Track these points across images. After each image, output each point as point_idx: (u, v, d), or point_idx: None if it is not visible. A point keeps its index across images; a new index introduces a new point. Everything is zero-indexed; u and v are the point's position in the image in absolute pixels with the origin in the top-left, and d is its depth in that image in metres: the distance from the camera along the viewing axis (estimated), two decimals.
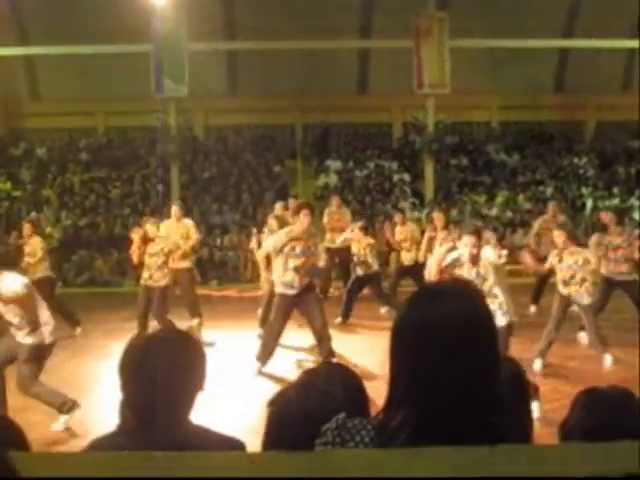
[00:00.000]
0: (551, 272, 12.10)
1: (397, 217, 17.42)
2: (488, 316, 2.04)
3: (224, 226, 24.54)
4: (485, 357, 1.99)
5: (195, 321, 14.09)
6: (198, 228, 20.02)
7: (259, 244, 14.33)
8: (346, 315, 15.23)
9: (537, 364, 11.07)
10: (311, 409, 2.41)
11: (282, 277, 11.28)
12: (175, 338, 3.01)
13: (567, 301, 11.24)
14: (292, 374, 10.73)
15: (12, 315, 8.76)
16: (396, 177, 27.88)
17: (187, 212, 22.64)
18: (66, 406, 9.18)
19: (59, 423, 9.07)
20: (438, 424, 1.94)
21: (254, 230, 15.77)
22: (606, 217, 13.08)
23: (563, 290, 11.18)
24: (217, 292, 20.55)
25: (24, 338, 8.78)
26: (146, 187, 26.70)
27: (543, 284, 15.66)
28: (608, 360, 11.17)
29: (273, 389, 10.21)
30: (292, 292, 11.26)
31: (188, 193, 26.08)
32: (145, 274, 13.13)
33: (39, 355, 8.90)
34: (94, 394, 10.20)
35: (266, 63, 28.25)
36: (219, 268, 22.85)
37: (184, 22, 24.01)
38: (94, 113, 30.53)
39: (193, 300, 14.71)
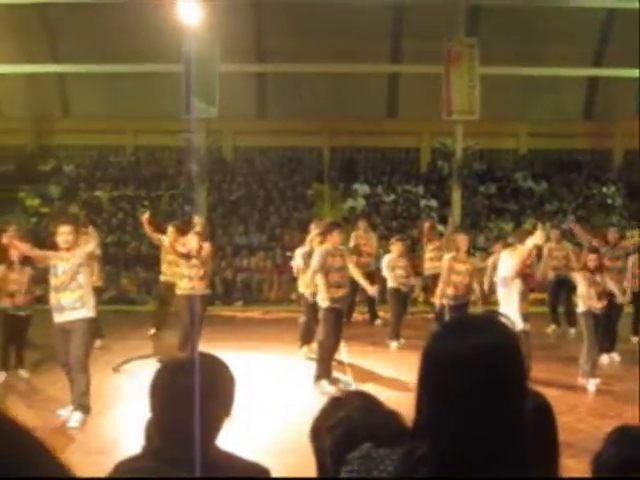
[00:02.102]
0: None
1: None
2: (517, 350, 2.03)
3: (250, 247, 24.58)
4: (511, 392, 1.99)
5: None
6: (224, 249, 20.17)
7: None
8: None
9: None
10: (376, 430, 2.40)
11: (328, 293, 11.51)
12: (206, 362, 3.01)
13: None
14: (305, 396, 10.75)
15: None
16: (423, 202, 27.84)
17: (213, 232, 22.82)
18: (87, 408, 9.39)
19: (73, 420, 9.23)
20: (461, 457, 1.94)
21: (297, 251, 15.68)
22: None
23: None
24: (241, 313, 20.57)
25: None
26: (173, 207, 26.78)
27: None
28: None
29: (288, 411, 10.24)
30: (339, 305, 11.60)
31: (215, 214, 26.15)
32: (188, 284, 13.31)
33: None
34: (115, 411, 10.23)
35: (295, 86, 28.32)
36: (244, 289, 22.87)
37: (216, 43, 24.11)
38: (123, 131, 30.66)
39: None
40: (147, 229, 15.85)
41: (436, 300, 14.24)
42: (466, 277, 13.92)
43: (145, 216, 15.88)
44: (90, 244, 10.65)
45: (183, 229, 15.75)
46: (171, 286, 15.41)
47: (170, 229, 15.05)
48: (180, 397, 2.78)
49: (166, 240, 14.49)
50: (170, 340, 14.45)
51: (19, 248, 11.76)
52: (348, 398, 2.78)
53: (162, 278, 16.60)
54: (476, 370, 1.94)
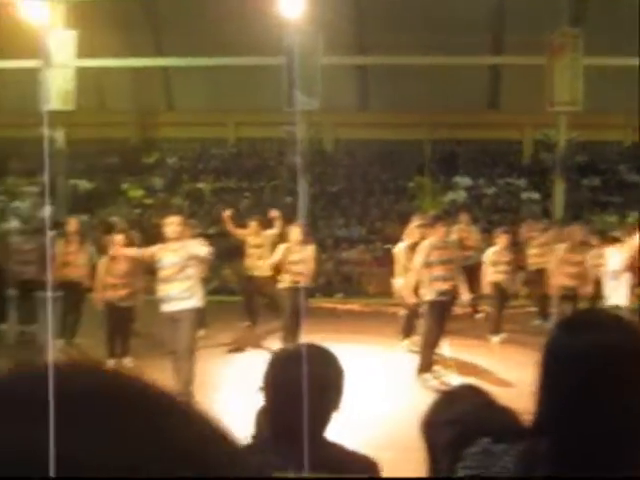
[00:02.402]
0: None
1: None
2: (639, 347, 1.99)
3: (351, 240, 24.59)
4: (635, 389, 1.94)
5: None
6: (324, 241, 20.24)
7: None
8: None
9: None
10: (493, 426, 2.37)
11: (432, 286, 11.49)
12: (317, 354, 3.01)
13: None
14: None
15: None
16: (525, 195, 27.55)
17: (314, 225, 22.89)
18: (191, 396, 9.54)
19: None
20: (585, 456, 1.90)
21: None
22: None
23: None
24: (341, 305, 20.59)
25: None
26: (275, 198, 26.92)
27: None
28: None
29: (388, 405, 10.22)
30: (443, 298, 11.55)
31: (316, 206, 26.22)
32: (290, 277, 13.50)
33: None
34: (217, 401, 10.31)
35: (396, 78, 28.23)
36: (344, 281, 22.89)
37: (318, 36, 24.15)
38: (225, 124, 30.95)
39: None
40: (229, 226, 16.10)
41: (551, 290, 14.20)
42: (580, 268, 13.81)
43: (227, 213, 16.12)
44: (205, 248, 10.78)
45: (264, 224, 16.01)
46: (254, 279, 15.75)
47: (252, 224, 15.37)
48: (291, 389, 2.79)
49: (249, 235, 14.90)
50: (266, 331, 14.63)
51: (128, 254, 12.02)
52: (461, 393, 2.75)
53: (247, 273, 16.68)
54: (598, 367, 1.90)
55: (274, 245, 15.55)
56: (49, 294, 11.70)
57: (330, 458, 2.85)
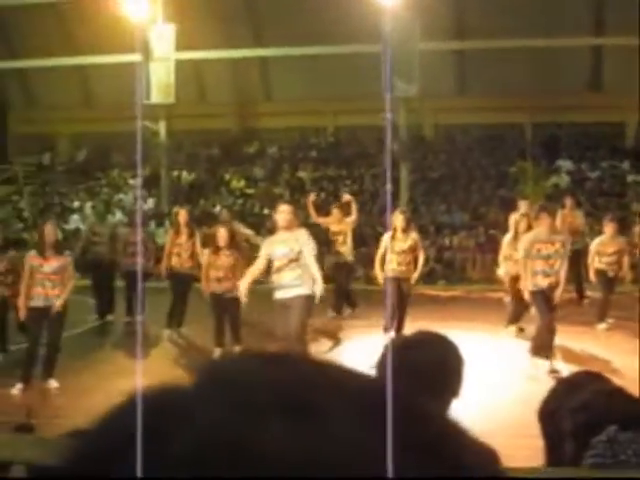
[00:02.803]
0: None
1: None
2: None
3: (453, 226, 24.46)
4: None
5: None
6: (427, 228, 20.15)
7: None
8: None
9: None
10: (619, 414, 2.33)
11: (532, 280, 11.60)
12: (437, 341, 3.01)
13: None
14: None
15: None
16: (630, 178, 27.05)
17: (415, 211, 22.84)
18: None
19: None
20: None
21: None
22: None
23: None
24: (444, 292, 20.50)
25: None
26: (376, 186, 26.93)
27: None
28: None
29: (496, 391, 10.16)
30: (544, 288, 11.59)
31: (416, 192, 26.17)
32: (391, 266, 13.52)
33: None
34: None
35: (495, 62, 27.96)
36: (447, 268, 22.78)
37: (416, 21, 24.04)
38: (324, 112, 31.02)
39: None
40: (312, 213, 16.15)
41: None
42: None
43: (310, 198, 16.20)
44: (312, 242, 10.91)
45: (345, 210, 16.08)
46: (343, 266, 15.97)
47: (334, 211, 15.46)
48: (411, 375, 2.78)
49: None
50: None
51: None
52: (582, 380, 2.72)
53: (334, 259, 16.66)
54: None
55: (354, 231, 15.69)
56: (139, 284, 11.92)
57: (450, 441, 2.83)
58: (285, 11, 27.67)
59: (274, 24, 28.26)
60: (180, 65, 25.39)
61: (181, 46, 25.01)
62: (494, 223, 22.77)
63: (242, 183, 28.55)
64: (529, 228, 12.52)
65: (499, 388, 10.47)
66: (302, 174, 28.63)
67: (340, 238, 16.07)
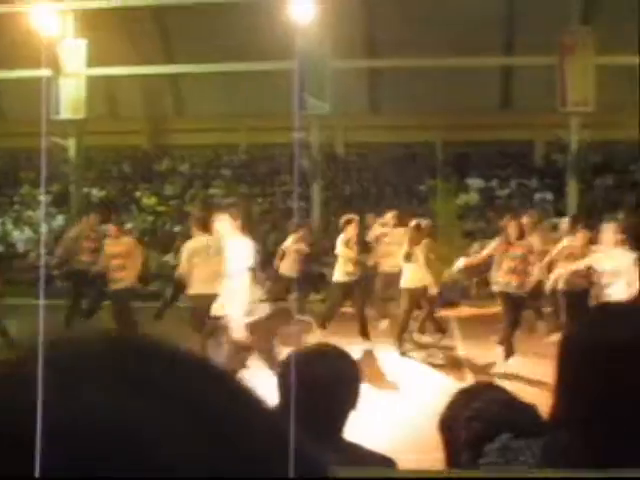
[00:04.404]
0: None
1: None
2: None
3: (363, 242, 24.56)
4: None
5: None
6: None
7: None
8: None
9: None
10: (515, 422, 2.35)
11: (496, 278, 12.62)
12: (337, 354, 3.02)
13: None
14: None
15: None
16: (538, 196, 27.48)
17: (326, 228, 22.88)
18: None
19: None
20: (604, 449, 1.88)
21: None
22: None
23: None
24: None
25: None
26: (287, 204, 26.96)
27: None
28: None
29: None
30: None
31: (328, 210, 26.23)
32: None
33: None
34: None
35: (407, 80, 28.20)
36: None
37: (327, 39, 24.16)
38: (237, 129, 30.99)
39: None
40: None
41: None
42: None
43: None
44: None
45: None
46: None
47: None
48: (308, 387, 2.78)
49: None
50: None
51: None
52: (480, 389, 2.74)
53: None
54: (619, 358, 1.88)
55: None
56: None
57: (348, 455, 2.84)
58: (197, 27, 27.57)
59: (186, 40, 28.15)
60: (91, 81, 25.18)
61: (92, 62, 24.80)
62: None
63: (153, 200, 28.35)
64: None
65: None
66: (215, 191, 28.50)
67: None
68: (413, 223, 14.59)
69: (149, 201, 28.48)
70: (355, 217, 14.69)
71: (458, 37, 26.60)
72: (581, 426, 1.91)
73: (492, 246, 13.08)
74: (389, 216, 16.65)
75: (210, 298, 11.16)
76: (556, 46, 24.71)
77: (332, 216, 25.81)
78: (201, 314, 11.55)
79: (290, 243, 17.01)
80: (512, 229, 12.63)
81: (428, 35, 26.64)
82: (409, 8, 26.40)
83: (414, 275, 13.82)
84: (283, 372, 2.97)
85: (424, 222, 14.87)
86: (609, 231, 12.41)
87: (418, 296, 14.02)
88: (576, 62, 24.58)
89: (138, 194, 29.11)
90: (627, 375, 1.86)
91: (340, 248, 14.32)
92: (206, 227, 12.33)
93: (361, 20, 28.58)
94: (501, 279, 12.62)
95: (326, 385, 2.80)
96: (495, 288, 12.97)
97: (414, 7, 26.37)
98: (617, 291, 11.16)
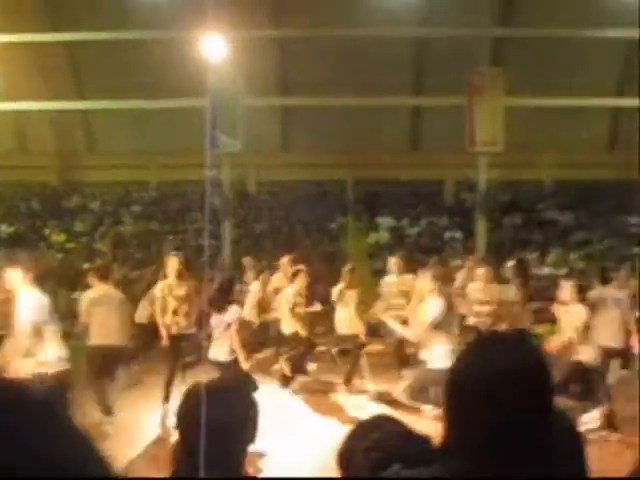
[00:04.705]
0: None
1: None
2: (544, 367, 2.02)
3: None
4: (539, 408, 1.97)
5: None
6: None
7: None
8: None
9: None
10: (411, 453, 2.37)
11: None
12: (232, 389, 3.03)
13: None
14: None
15: None
16: (448, 235, 27.81)
17: (236, 266, 22.86)
18: None
19: None
20: (491, 475, 1.92)
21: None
22: None
23: None
24: None
25: None
26: (198, 241, 26.87)
27: None
28: None
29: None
30: None
31: (239, 247, 26.20)
32: None
33: None
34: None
35: (319, 119, 28.42)
36: None
37: (239, 78, 24.22)
38: (148, 167, 30.83)
39: None
40: None
41: None
42: None
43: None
44: None
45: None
46: None
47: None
48: (205, 423, 2.78)
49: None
50: None
51: None
52: (377, 422, 2.77)
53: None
54: (503, 386, 1.92)
55: None
56: None
57: None
58: (109, 63, 27.46)
59: (97, 76, 28.01)
60: (0, 115, 24.90)
61: (2, 96, 24.52)
62: (316, 278, 22.98)
63: (62, 237, 28.04)
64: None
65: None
66: (124, 229, 28.30)
67: None
68: (347, 267, 14.69)
69: (58, 238, 28.16)
70: (303, 267, 14.29)
71: (369, 77, 26.92)
72: (470, 453, 1.94)
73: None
74: (284, 261, 16.51)
75: (108, 349, 11.21)
76: (465, 86, 25.08)
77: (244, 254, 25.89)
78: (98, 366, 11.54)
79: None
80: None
81: (340, 74, 26.92)
82: (322, 47, 26.61)
83: (348, 322, 13.96)
84: (180, 410, 2.96)
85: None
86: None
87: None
88: (485, 102, 24.93)
89: (47, 231, 28.78)
90: (507, 402, 1.90)
91: (291, 301, 13.83)
92: (105, 277, 12.24)
93: (274, 58, 28.76)
94: None
95: (221, 422, 2.81)
96: None
97: (326, 46, 26.57)
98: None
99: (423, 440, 2.51)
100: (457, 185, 30.89)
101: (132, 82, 26.49)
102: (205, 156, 25.28)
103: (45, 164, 30.62)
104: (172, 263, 12.98)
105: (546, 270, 25.08)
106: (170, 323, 12.44)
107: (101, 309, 11.58)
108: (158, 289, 12.78)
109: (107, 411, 11.10)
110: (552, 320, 12.68)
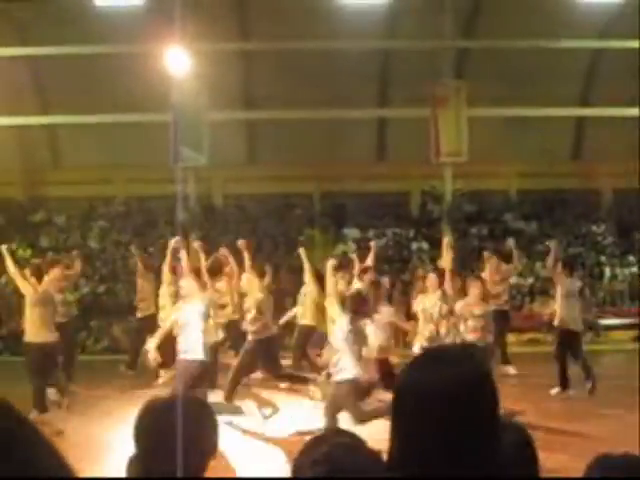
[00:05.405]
0: None
1: None
2: (488, 382, 2.04)
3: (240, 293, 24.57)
4: (483, 423, 1.99)
5: None
6: None
7: None
8: None
9: None
10: (359, 467, 2.39)
11: None
12: (192, 402, 3.05)
13: None
14: None
15: None
16: (414, 246, 27.87)
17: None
18: None
19: None
20: None
21: None
22: None
23: None
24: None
25: None
26: (165, 255, 26.77)
27: None
28: None
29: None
30: None
31: (206, 262, 26.13)
32: None
33: None
34: (107, 461, 10.13)
35: (284, 132, 28.43)
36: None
37: (203, 92, 24.23)
38: (114, 181, 30.68)
39: None
40: None
41: None
42: None
43: None
44: None
45: None
46: None
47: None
48: (164, 437, 2.80)
49: None
50: None
51: None
52: (330, 435, 2.79)
53: None
54: (444, 400, 1.95)
55: None
56: None
57: None
58: (73, 78, 27.34)
59: (61, 91, 27.89)
60: None
61: None
62: (284, 290, 23.00)
63: (28, 252, 27.86)
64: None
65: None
66: (90, 244, 28.17)
67: None
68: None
69: (24, 253, 27.98)
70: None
71: (334, 90, 26.99)
72: (415, 467, 1.97)
73: None
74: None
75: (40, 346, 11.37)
76: (429, 98, 25.22)
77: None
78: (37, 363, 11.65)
79: None
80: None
81: (305, 87, 26.96)
82: (286, 61, 26.70)
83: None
84: (139, 423, 2.98)
85: None
86: None
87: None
88: (449, 114, 25.11)
89: (13, 246, 28.59)
90: (449, 416, 1.94)
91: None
92: (40, 276, 12.33)
93: (239, 72, 28.77)
94: None
95: (182, 434, 2.83)
96: None
97: (291, 60, 26.66)
98: None
99: (371, 454, 2.54)
100: (423, 196, 30.94)
101: (97, 97, 26.44)
102: (171, 170, 25.29)
103: (10, 180, 30.40)
104: None
105: (512, 280, 25.16)
106: None
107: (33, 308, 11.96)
108: None
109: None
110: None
